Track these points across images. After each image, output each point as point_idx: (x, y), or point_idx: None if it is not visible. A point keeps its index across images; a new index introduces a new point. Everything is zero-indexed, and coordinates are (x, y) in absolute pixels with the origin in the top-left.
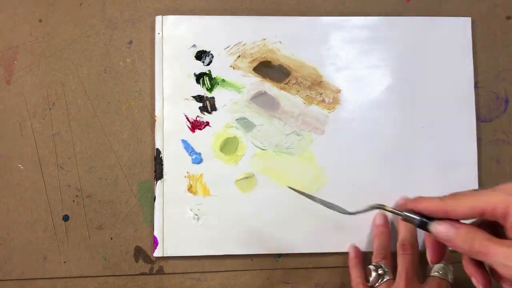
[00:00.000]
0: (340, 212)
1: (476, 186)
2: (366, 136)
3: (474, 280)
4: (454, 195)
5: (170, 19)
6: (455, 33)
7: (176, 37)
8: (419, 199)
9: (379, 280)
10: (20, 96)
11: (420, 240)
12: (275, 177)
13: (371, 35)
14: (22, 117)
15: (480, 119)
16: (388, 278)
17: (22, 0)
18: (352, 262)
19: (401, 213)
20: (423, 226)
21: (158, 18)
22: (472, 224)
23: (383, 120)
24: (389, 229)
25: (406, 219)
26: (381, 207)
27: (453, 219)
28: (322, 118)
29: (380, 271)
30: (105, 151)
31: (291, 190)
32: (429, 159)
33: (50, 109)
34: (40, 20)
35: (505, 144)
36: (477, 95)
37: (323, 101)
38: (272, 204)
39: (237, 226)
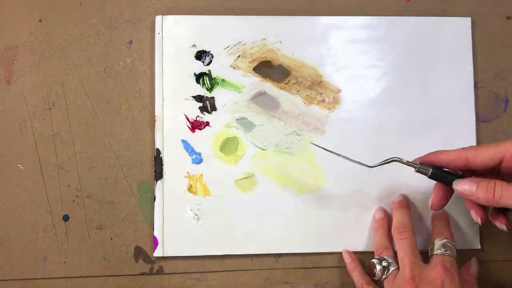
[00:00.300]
0: (360, 164)
1: None
2: (366, 136)
3: (473, 213)
4: (473, 147)
5: (170, 19)
6: (455, 33)
7: (176, 37)
8: (439, 151)
9: (385, 272)
10: (20, 96)
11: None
12: (275, 177)
13: (371, 35)
14: (22, 117)
15: (480, 119)
16: (393, 268)
17: (22, 0)
18: (350, 266)
19: (415, 164)
20: (435, 177)
21: (158, 18)
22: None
23: (383, 120)
24: (389, 224)
25: (420, 171)
26: (397, 159)
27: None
28: (322, 118)
29: (384, 263)
30: (105, 151)
31: (292, 190)
32: None
33: (50, 109)
34: (40, 20)
35: None
36: (477, 95)
37: (323, 101)
38: (272, 204)
39: (237, 226)
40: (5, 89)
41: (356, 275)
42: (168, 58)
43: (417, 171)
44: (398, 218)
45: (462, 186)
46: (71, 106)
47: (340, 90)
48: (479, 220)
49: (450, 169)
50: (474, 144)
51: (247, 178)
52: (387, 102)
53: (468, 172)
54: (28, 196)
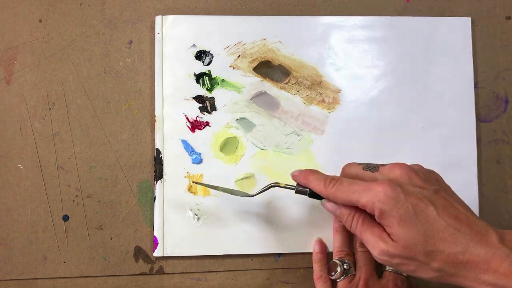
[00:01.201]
0: (242, 196)
1: (476, 186)
2: (366, 136)
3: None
4: (334, 185)
5: (170, 19)
6: (455, 33)
7: (176, 37)
8: (309, 177)
9: (344, 275)
10: (20, 96)
11: None
12: (275, 177)
13: (371, 35)
14: (22, 117)
15: (480, 119)
16: (351, 274)
17: (22, 0)
18: (317, 256)
19: (294, 187)
20: (314, 196)
21: (158, 18)
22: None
23: (383, 120)
24: None
25: (299, 192)
26: (276, 184)
27: None
28: (322, 118)
29: (345, 266)
30: (105, 151)
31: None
32: (429, 159)
33: (50, 109)
34: (40, 20)
35: (505, 144)
36: (477, 95)
37: (323, 101)
38: (272, 204)
39: (237, 226)
40: (5, 89)
41: (318, 266)
42: (168, 58)
43: (296, 193)
44: None
45: (326, 206)
46: (71, 106)
47: (340, 90)
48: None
49: None
50: (474, 144)
51: (247, 178)
52: (387, 102)
53: None
54: (28, 196)
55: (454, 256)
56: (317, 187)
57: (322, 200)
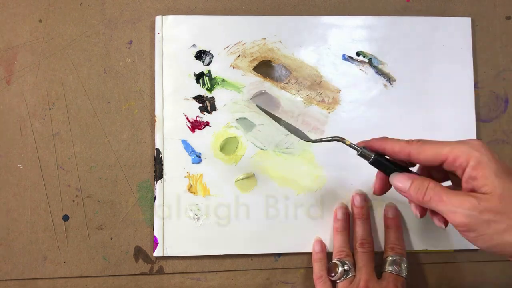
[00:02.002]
0: (302, 138)
1: None
2: (365, 136)
3: (412, 207)
4: (420, 141)
5: (170, 19)
6: (455, 33)
7: (176, 37)
8: (386, 139)
9: (344, 276)
10: (20, 96)
11: (375, 240)
12: (275, 177)
13: (371, 35)
14: (22, 117)
15: (480, 119)
16: (351, 275)
17: (22, 0)
18: (317, 256)
19: (358, 148)
20: (376, 164)
21: (158, 18)
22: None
23: (383, 121)
24: (349, 224)
25: (362, 154)
26: (340, 139)
27: (411, 172)
28: (322, 118)
29: (345, 267)
30: (105, 151)
31: (292, 190)
32: None
33: (50, 109)
34: (40, 20)
35: (505, 144)
36: (477, 95)
37: (323, 101)
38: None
39: (237, 226)
40: (5, 89)
41: (319, 266)
42: (168, 58)
43: (359, 155)
44: (361, 232)
45: (397, 181)
46: (71, 106)
47: (340, 90)
48: (417, 215)
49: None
50: None
51: (247, 178)
52: (387, 103)
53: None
54: (28, 196)
55: None
56: (397, 145)
57: (392, 174)
